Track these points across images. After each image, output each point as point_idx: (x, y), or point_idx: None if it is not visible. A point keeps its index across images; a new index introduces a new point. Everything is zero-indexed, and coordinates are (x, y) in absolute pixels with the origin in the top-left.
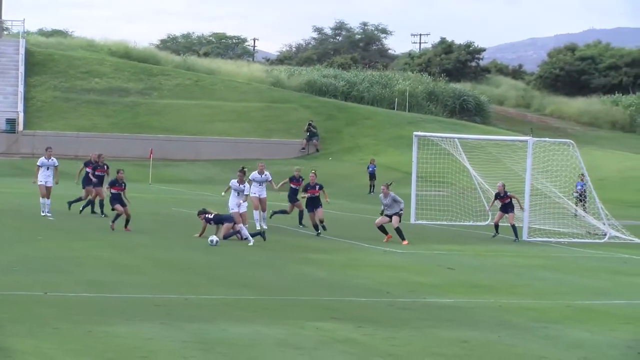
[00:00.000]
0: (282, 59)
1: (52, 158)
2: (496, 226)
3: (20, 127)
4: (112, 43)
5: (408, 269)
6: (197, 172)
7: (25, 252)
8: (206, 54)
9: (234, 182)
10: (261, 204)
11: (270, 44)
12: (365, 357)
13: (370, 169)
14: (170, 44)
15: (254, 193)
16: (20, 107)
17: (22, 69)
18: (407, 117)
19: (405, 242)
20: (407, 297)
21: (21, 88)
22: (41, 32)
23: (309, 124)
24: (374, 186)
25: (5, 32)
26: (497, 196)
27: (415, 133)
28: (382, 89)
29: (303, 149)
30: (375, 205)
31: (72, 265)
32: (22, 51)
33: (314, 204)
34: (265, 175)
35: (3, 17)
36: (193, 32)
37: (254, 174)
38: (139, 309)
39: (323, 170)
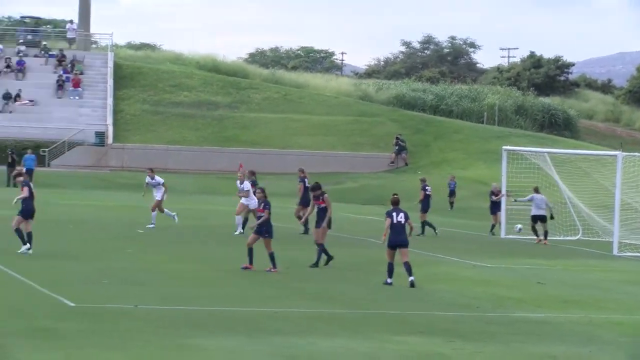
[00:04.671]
0: (371, 73)
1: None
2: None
3: (110, 140)
4: (200, 57)
5: (497, 283)
6: (283, 186)
7: (113, 264)
8: (294, 68)
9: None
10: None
11: (359, 58)
12: None
13: (452, 186)
14: (259, 58)
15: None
16: (109, 120)
17: (110, 82)
18: (495, 131)
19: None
20: (496, 312)
21: (110, 101)
22: (129, 45)
23: (397, 138)
24: (453, 203)
25: (93, 46)
26: (491, 194)
27: (504, 147)
28: (471, 102)
29: (392, 162)
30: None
31: (159, 279)
32: (110, 64)
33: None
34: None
35: (91, 31)
36: (281, 46)
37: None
38: (226, 321)
39: (411, 185)
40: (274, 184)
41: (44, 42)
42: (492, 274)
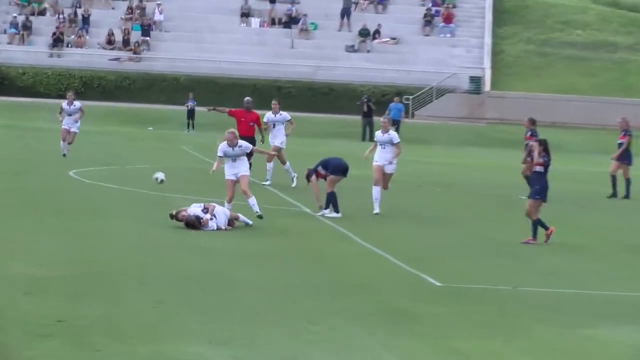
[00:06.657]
0: None
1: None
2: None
3: (487, 87)
4: None
5: None
6: None
7: (489, 234)
8: None
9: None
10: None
11: None
12: None
13: None
14: None
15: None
16: (487, 63)
17: (489, 17)
18: None
19: None
20: None
21: (488, 40)
22: None
23: None
24: None
25: None
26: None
27: None
28: None
29: None
30: None
31: (543, 252)
32: None
33: None
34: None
35: None
36: None
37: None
38: (615, 308)
39: None
40: None
41: None
42: None
